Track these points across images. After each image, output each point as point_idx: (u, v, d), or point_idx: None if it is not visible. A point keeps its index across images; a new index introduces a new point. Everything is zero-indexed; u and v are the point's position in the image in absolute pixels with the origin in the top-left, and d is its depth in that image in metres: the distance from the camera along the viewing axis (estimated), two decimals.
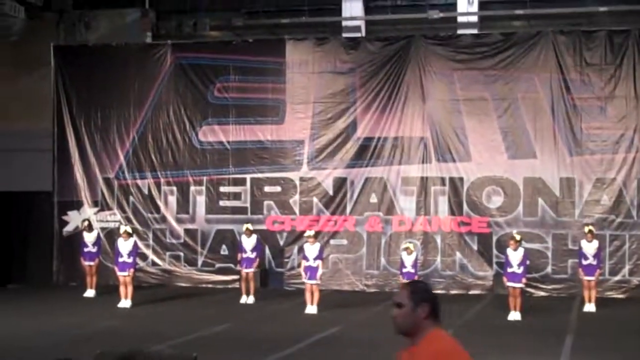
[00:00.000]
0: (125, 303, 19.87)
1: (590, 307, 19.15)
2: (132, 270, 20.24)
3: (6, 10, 21.72)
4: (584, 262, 19.38)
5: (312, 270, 19.12)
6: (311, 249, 19.27)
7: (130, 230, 20.78)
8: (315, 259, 19.18)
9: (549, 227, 22.06)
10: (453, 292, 22.32)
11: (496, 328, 17.07)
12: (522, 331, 16.64)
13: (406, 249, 19.92)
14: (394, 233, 22.84)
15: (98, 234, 22.68)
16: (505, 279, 18.59)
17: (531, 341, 15.58)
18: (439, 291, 22.29)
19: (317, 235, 20.28)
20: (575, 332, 16.36)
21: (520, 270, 18.37)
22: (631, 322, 17.80)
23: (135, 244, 20.81)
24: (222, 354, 13.58)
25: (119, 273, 20.18)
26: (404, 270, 19.66)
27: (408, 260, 19.69)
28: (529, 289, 21.40)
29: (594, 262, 19.31)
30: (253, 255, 20.87)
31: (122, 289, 20.00)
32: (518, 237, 18.72)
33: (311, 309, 18.99)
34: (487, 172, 22.50)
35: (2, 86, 24.30)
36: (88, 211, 24.44)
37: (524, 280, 18.50)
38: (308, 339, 15.48)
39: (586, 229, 19.68)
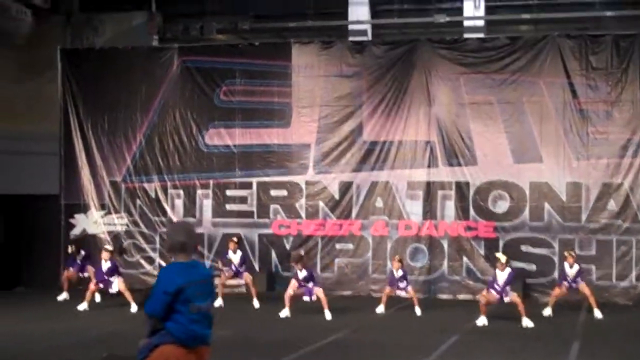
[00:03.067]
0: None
1: (597, 314, 18.98)
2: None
3: (13, 13, 21.69)
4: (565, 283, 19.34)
5: (308, 290, 18.96)
6: (301, 274, 19.08)
7: (111, 249, 20.86)
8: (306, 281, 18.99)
9: (556, 232, 21.92)
10: (460, 297, 22.21)
11: (503, 333, 16.95)
12: (529, 337, 16.52)
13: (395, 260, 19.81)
14: (400, 237, 22.74)
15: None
16: (486, 291, 18.35)
17: (538, 347, 15.47)
18: (446, 296, 22.25)
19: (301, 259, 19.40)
20: (582, 338, 16.24)
21: (504, 288, 18.08)
22: (638, 329, 17.66)
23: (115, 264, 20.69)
24: (227, 359, 13.46)
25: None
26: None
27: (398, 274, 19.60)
28: (535, 294, 21.30)
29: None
30: (242, 269, 21.03)
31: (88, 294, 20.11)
32: (504, 259, 18.36)
33: (326, 313, 18.80)
34: (493, 176, 22.38)
35: (9, 89, 24.22)
36: (95, 214, 24.39)
37: (506, 298, 18.17)
38: (314, 344, 15.39)
39: (566, 253, 19.54)
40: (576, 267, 19.24)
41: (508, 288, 18.02)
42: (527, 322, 17.75)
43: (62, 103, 24.60)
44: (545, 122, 22.11)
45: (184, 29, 24.54)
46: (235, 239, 21.48)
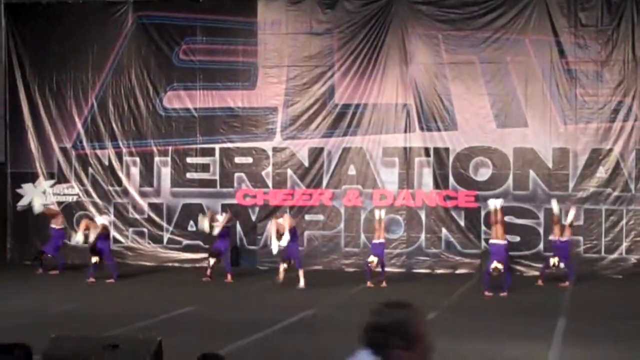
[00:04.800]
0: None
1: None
2: None
3: None
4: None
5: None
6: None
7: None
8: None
9: (541, 202, 22.05)
10: (438, 271, 22.31)
11: (484, 310, 17.04)
12: (512, 313, 16.60)
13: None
14: (374, 208, 22.77)
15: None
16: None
17: (521, 324, 15.54)
18: (423, 270, 22.34)
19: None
20: (567, 315, 16.33)
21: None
22: (627, 304, 17.81)
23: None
24: (188, 339, 13.45)
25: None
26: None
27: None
28: (519, 268, 21.45)
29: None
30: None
31: None
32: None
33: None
34: (474, 142, 22.44)
35: None
36: (43, 184, 24.23)
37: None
38: (281, 322, 15.37)
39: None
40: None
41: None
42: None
43: (6, 62, 24.32)
44: (531, 83, 22.16)
45: None
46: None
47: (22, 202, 24.36)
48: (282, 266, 19.64)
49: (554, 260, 19.52)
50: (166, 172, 23.89)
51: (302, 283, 19.28)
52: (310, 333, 14.83)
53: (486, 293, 18.39)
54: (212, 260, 20.78)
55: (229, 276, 20.51)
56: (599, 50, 21.93)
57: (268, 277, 20.48)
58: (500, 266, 18.33)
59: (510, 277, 18.84)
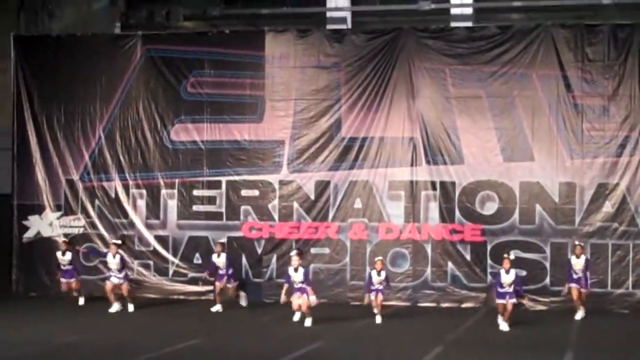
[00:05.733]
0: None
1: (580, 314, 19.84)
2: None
3: None
4: (574, 277, 20.10)
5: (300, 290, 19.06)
6: (296, 275, 19.16)
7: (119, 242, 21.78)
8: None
9: (547, 236, 21.97)
10: (444, 305, 22.19)
11: (491, 344, 16.95)
12: (519, 347, 16.52)
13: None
14: (380, 241, 22.71)
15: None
16: (495, 297, 18.76)
17: (529, 358, 15.48)
18: (429, 304, 22.24)
19: (301, 254, 20.00)
20: (575, 348, 16.26)
21: (511, 289, 18.51)
22: (635, 338, 17.72)
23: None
24: None
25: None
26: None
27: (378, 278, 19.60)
28: (525, 302, 21.34)
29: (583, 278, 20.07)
30: (229, 272, 21.33)
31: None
32: (512, 257, 18.81)
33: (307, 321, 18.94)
34: (480, 175, 22.40)
35: None
36: (50, 216, 24.23)
37: (514, 299, 18.59)
38: (287, 355, 15.32)
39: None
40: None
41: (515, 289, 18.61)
42: (503, 326, 18.23)
43: (15, 94, 24.38)
44: (538, 117, 22.15)
45: (149, 15, 24.47)
46: (222, 241, 21.85)
47: (28, 234, 24.36)
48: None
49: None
50: (172, 205, 23.86)
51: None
52: None
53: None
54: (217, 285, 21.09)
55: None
56: (606, 85, 21.92)
57: (273, 310, 20.42)
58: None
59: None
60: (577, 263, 20.02)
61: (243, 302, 21.48)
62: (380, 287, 19.51)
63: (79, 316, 20.17)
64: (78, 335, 17.42)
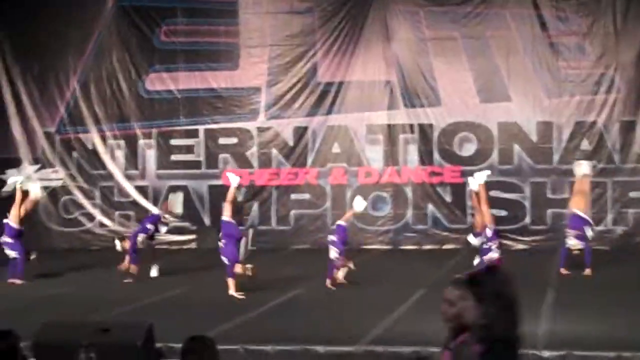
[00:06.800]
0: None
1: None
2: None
3: None
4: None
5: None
6: None
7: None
8: None
9: (526, 175, 22.06)
10: (426, 247, 22.31)
11: None
12: None
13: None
14: (360, 186, 22.71)
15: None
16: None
17: None
18: (410, 247, 22.32)
19: None
20: (556, 288, 16.35)
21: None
22: (615, 275, 17.83)
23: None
24: (179, 321, 13.37)
25: None
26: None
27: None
28: (506, 242, 21.40)
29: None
30: None
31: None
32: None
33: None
34: (458, 117, 22.42)
35: None
36: (28, 169, 24.01)
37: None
38: (268, 303, 15.31)
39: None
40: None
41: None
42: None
43: None
44: (513, 57, 22.13)
45: None
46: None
47: (7, 188, 24.12)
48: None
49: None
50: (151, 155, 23.76)
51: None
52: (300, 312, 14.78)
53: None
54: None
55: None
56: (580, 23, 21.89)
57: (255, 258, 20.38)
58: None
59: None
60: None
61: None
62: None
63: (61, 269, 20.07)
64: (62, 287, 17.35)
